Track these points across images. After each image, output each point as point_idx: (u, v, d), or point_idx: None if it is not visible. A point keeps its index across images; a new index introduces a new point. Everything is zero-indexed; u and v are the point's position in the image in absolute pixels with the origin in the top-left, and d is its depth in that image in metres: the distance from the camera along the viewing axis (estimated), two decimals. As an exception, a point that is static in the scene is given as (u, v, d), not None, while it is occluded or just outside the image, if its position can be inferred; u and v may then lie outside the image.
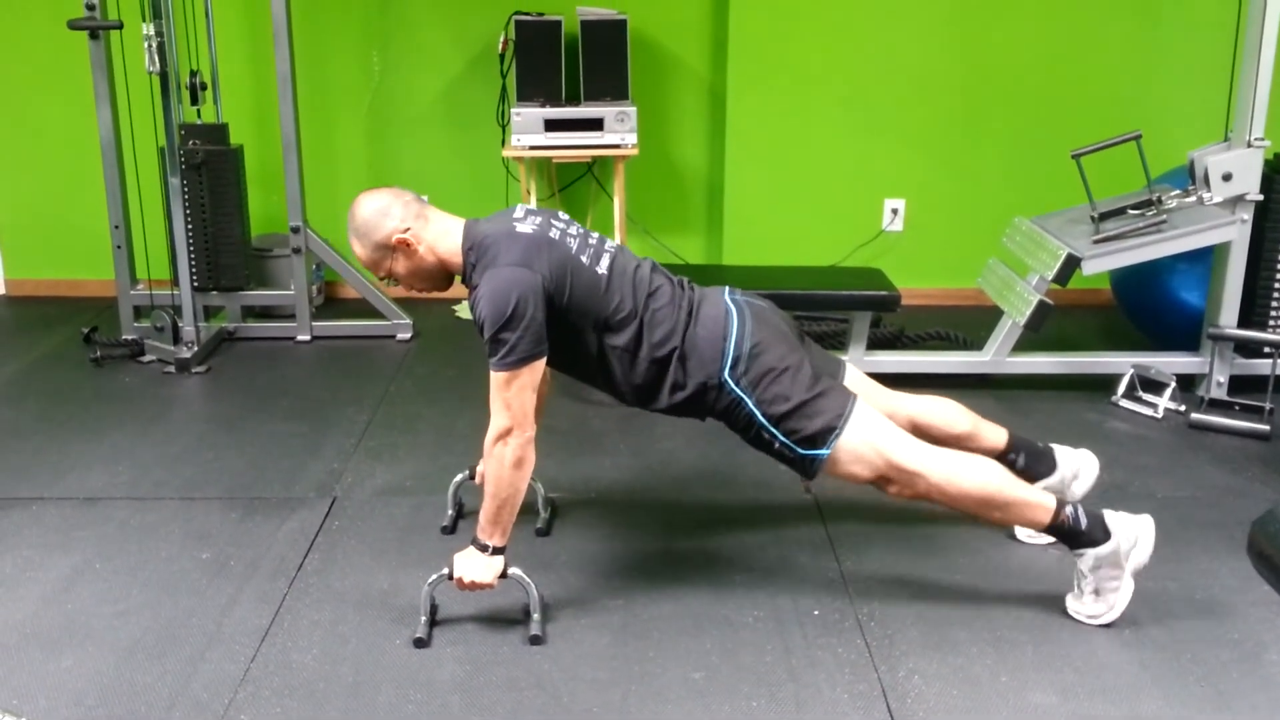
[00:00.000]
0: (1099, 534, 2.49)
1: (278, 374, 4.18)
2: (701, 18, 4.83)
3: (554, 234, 2.53)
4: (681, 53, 4.87)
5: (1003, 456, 2.84)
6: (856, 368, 2.85)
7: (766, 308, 2.67)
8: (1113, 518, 2.51)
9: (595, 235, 2.65)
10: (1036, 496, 2.53)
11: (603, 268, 2.55)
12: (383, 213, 2.56)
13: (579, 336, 2.54)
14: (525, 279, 2.42)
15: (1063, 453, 2.89)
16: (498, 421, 2.45)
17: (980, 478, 2.51)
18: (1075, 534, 2.50)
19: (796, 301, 4.14)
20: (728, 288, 2.69)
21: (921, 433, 2.75)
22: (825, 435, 2.49)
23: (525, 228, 2.52)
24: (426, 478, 3.27)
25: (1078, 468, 2.88)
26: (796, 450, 2.52)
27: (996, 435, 2.86)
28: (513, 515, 2.50)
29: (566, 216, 2.66)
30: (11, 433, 3.60)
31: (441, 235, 2.58)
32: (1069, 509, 2.51)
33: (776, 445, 2.53)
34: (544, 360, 2.48)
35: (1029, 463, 2.85)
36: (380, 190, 2.62)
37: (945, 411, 2.83)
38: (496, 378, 2.44)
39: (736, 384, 2.52)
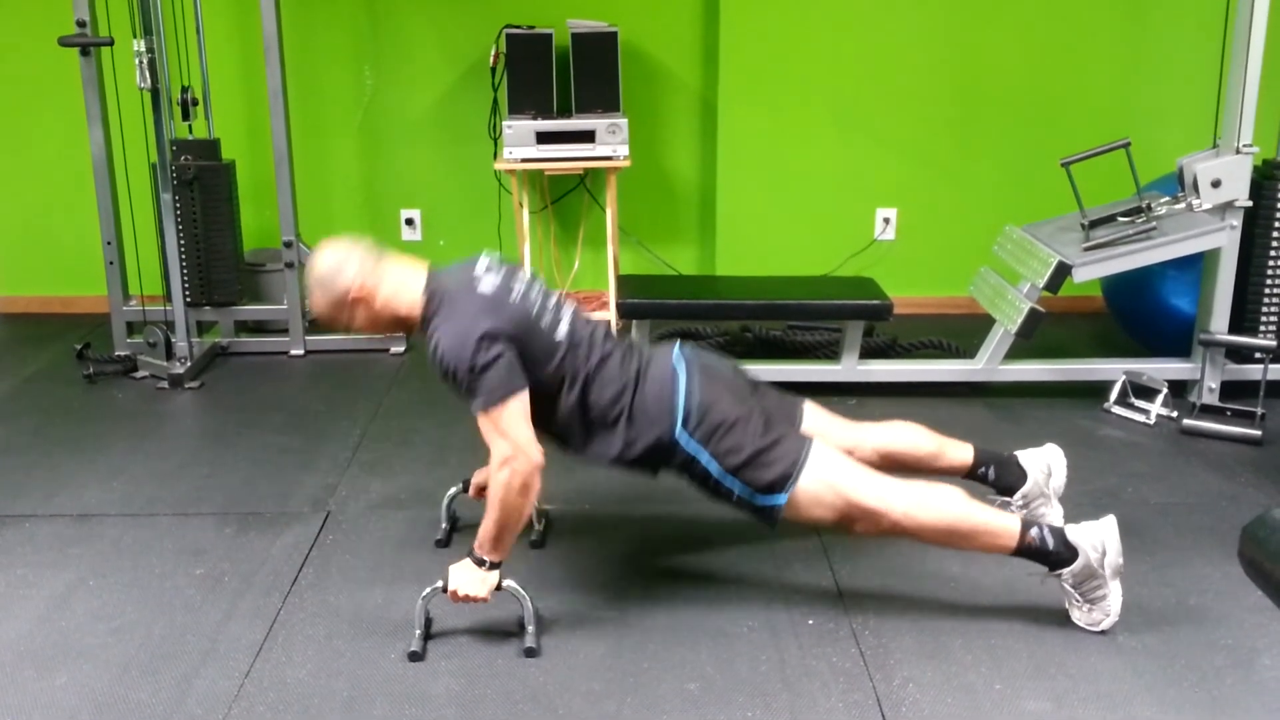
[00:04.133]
0: (1066, 552, 2.49)
1: (271, 389, 4.18)
2: (692, 29, 4.84)
3: (514, 296, 2.55)
4: (673, 64, 4.88)
5: (972, 472, 2.86)
6: (816, 405, 2.84)
7: (715, 361, 2.69)
8: (1074, 532, 2.51)
9: (554, 297, 2.66)
10: (1001, 522, 2.53)
11: (560, 334, 2.56)
12: (339, 267, 2.56)
13: (530, 396, 2.51)
14: (485, 324, 2.43)
15: (1027, 456, 2.89)
16: (499, 449, 2.43)
17: (942, 508, 2.51)
18: (1045, 554, 2.51)
19: (789, 311, 4.16)
20: (677, 343, 2.70)
21: (888, 460, 2.76)
22: (782, 482, 2.49)
23: (485, 287, 2.53)
24: (420, 491, 3.27)
25: (1047, 464, 2.88)
26: (755, 499, 2.52)
27: (963, 453, 2.86)
28: (514, 538, 2.51)
29: (528, 275, 2.67)
30: (4, 450, 3.60)
31: (400, 286, 2.58)
32: (1034, 530, 2.51)
33: (735, 496, 2.54)
34: (526, 391, 2.47)
35: (1000, 474, 2.85)
36: (337, 243, 2.62)
37: (909, 435, 2.84)
38: (484, 421, 2.43)
39: (690, 439, 2.53)
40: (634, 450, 2.57)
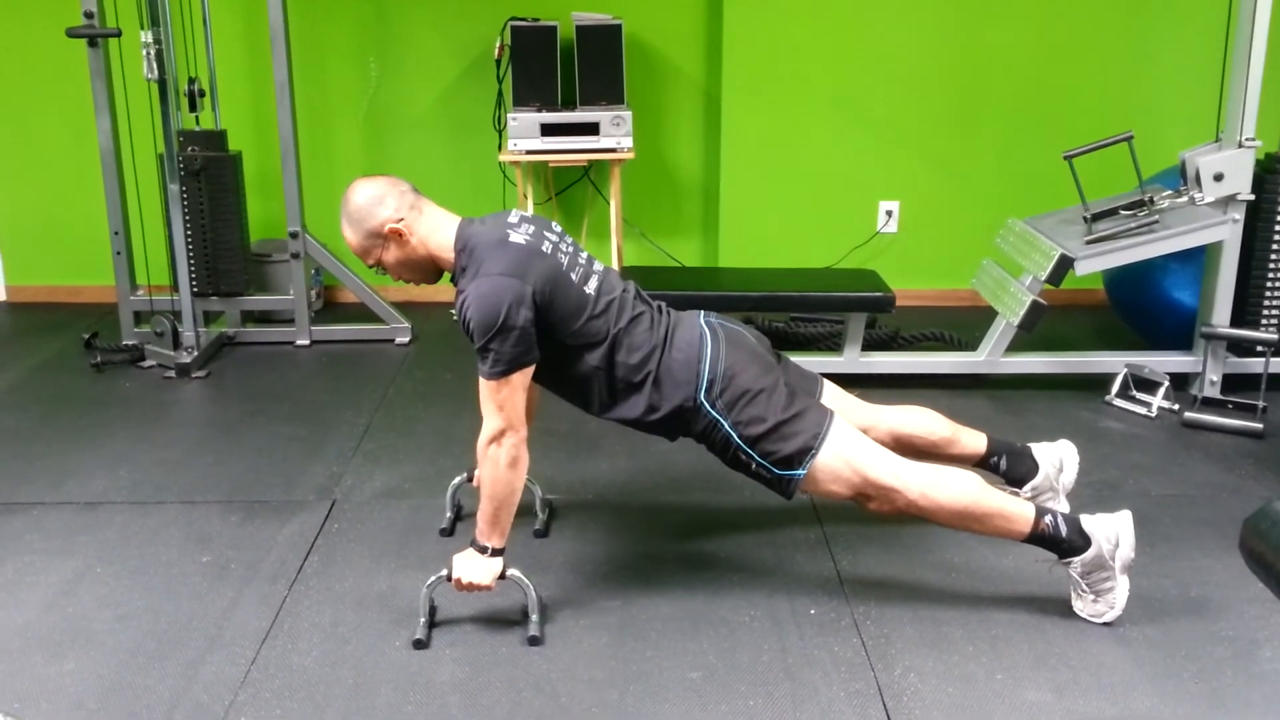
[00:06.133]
0: (1079, 541, 2.51)
1: (277, 378, 4.19)
2: (696, 22, 4.85)
3: (546, 247, 2.53)
4: (676, 57, 4.89)
5: (984, 461, 2.86)
6: (834, 384, 2.85)
7: (741, 330, 2.68)
8: (1089, 522, 2.53)
9: (585, 254, 2.66)
10: (1015, 507, 2.54)
11: (590, 288, 2.56)
12: (377, 200, 2.54)
13: (557, 352, 2.53)
14: (515, 288, 2.41)
15: (1041, 449, 2.90)
16: (491, 424, 2.46)
17: (957, 490, 2.52)
18: (1057, 542, 2.52)
19: (792, 303, 4.17)
20: (702, 311, 2.70)
21: (902, 443, 2.77)
22: (801, 456, 2.50)
23: (518, 237, 2.51)
24: (425, 480, 3.29)
25: (1059, 459, 2.89)
26: (773, 471, 2.53)
27: (976, 441, 2.87)
28: (510, 516, 2.52)
29: (560, 229, 2.66)
30: (13, 438, 3.62)
31: (434, 229, 2.56)
32: (1048, 518, 2.52)
33: (754, 466, 2.55)
34: (534, 365, 2.49)
35: (1012, 465, 2.87)
36: (376, 178, 2.60)
37: (924, 420, 2.85)
38: (487, 385, 2.45)
39: (712, 406, 2.53)
40: (657, 414, 2.58)
